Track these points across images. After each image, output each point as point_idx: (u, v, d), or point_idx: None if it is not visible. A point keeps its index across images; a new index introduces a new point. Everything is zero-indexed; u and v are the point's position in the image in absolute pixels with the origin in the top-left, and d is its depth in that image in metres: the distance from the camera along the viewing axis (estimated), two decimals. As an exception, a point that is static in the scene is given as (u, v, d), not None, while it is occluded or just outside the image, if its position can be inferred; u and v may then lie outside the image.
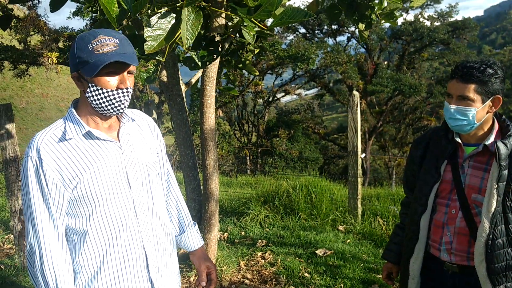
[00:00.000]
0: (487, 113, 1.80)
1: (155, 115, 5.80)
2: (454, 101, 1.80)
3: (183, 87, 4.13)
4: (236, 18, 2.43)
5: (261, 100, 23.48)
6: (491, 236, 1.77)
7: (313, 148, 23.57)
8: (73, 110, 1.63)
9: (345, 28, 23.47)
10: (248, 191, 6.82)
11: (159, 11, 2.00)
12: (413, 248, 2.00)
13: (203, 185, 4.05)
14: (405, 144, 25.88)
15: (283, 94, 24.03)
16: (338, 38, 24.38)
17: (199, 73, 4.39)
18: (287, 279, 3.96)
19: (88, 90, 1.55)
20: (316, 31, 24.54)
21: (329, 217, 5.18)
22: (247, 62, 4.76)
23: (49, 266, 1.54)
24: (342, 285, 3.81)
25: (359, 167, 5.12)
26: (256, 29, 2.27)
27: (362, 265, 4.18)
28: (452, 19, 25.17)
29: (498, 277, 1.79)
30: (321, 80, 23.28)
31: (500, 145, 1.75)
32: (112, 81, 1.55)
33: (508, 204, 1.76)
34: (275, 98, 23.80)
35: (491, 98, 1.77)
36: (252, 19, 2.15)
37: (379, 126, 23.49)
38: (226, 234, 4.99)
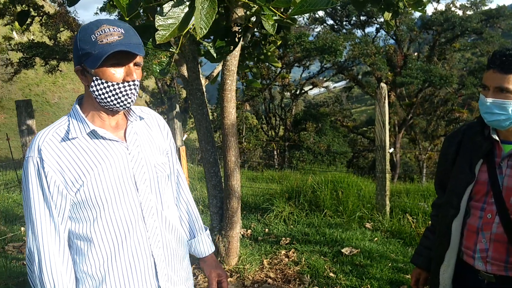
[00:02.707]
0: None
1: (178, 109, 5.72)
2: (490, 93, 1.62)
3: (203, 81, 4.03)
4: (255, 7, 2.29)
5: (288, 93, 23.26)
6: (532, 244, 1.59)
7: (342, 141, 23.22)
8: (77, 107, 1.52)
9: (374, 19, 22.94)
10: (273, 187, 6.69)
11: (170, -1, 1.88)
12: (444, 254, 1.83)
13: (224, 182, 3.95)
14: (436, 137, 25.22)
15: (310, 87, 23.75)
16: (367, 29, 23.88)
17: (219, 67, 4.27)
18: (312, 279, 3.82)
19: (92, 84, 1.44)
20: (344, 23, 24.06)
21: (355, 214, 5.00)
22: (270, 54, 4.62)
23: (48, 274, 1.44)
24: (369, 285, 3.65)
25: (387, 162, 4.92)
26: (276, 17, 2.12)
27: (390, 264, 4.01)
28: (486, 8, 24.27)
29: (540, 288, 1.61)
30: (350, 72, 22.85)
31: (544, 142, 1.57)
32: (117, 73, 1.43)
33: None
34: (303, 91, 23.52)
35: None
36: (271, 7, 2.02)
37: (409, 119, 22.91)
38: (249, 231, 4.88)
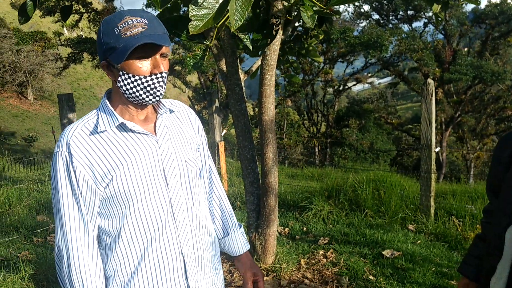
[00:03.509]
0: None
1: (217, 103, 5.69)
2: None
3: (242, 76, 3.96)
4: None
5: (331, 89, 22.95)
6: None
7: (385, 139, 22.74)
8: (106, 101, 1.48)
9: (422, 13, 22.21)
10: (313, 184, 6.56)
11: (205, -11, 1.81)
12: (495, 265, 1.68)
13: (261, 179, 3.87)
14: (486, 136, 24.24)
15: (354, 83, 23.34)
16: (414, 24, 23.17)
17: (259, 61, 4.19)
18: (350, 281, 3.69)
19: (119, 79, 1.39)
20: (391, 17, 23.44)
21: (398, 215, 4.81)
22: (311, 48, 4.50)
23: (77, 272, 1.41)
24: (410, 291, 3.49)
25: (433, 162, 4.69)
26: (315, 8, 2.02)
27: (433, 269, 3.82)
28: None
29: None
30: (395, 68, 22.26)
31: None
32: (144, 66, 1.37)
33: None
34: (346, 87, 23.14)
35: None
36: (309, -3, 1.92)
37: (457, 117, 22.11)
38: (287, 229, 4.79)
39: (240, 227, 1.82)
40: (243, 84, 3.97)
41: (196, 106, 22.98)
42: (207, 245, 1.62)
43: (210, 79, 20.88)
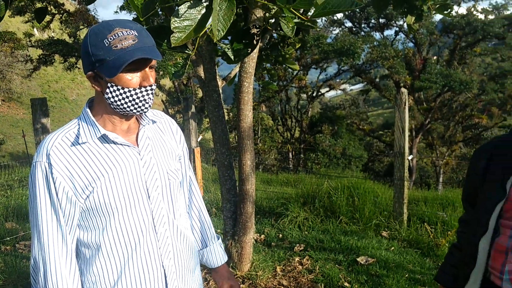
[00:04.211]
0: None
1: (193, 109, 5.66)
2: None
3: (220, 83, 3.96)
4: (274, 8, 2.21)
5: (305, 95, 23.14)
6: None
7: (357, 145, 23.04)
8: (88, 111, 1.46)
9: (393, 21, 22.67)
10: (288, 191, 6.60)
11: None
12: (469, 274, 1.72)
13: (239, 186, 3.88)
14: (454, 142, 24.85)
15: (327, 89, 23.60)
16: (386, 32, 23.60)
17: (237, 68, 4.20)
18: (325, 288, 3.73)
19: (107, 91, 1.37)
20: (363, 25, 23.84)
21: (372, 221, 4.89)
22: (288, 56, 4.54)
23: (54, 285, 1.38)
24: (384, 297, 3.54)
25: (406, 169, 4.79)
26: (296, 20, 2.04)
27: (407, 275, 3.89)
28: (508, 12, 23.83)
29: None
30: (367, 75, 22.62)
31: None
32: (134, 78, 1.36)
33: None
34: (319, 93, 23.38)
35: None
36: (292, 8, 1.93)
37: (426, 124, 22.60)
38: (263, 236, 4.80)
39: (219, 239, 1.83)
40: (220, 91, 3.98)
41: (170, 110, 22.81)
42: (188, 257, 1.61)
43: (185, 83, 20.77)
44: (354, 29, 23.80)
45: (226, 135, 3.90)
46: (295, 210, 5.12)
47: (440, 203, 5.49)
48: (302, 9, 2.17)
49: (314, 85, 22.90)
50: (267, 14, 2.48)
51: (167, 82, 25.17)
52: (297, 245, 4.52)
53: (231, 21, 1.84)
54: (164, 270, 1.50)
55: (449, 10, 3.55)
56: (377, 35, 23.20)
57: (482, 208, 1.69)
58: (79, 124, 1.45)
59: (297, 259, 4.24)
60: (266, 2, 2.14)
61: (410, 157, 4.82)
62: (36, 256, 1.40)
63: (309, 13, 2.47)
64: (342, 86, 24.27)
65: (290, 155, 22.64)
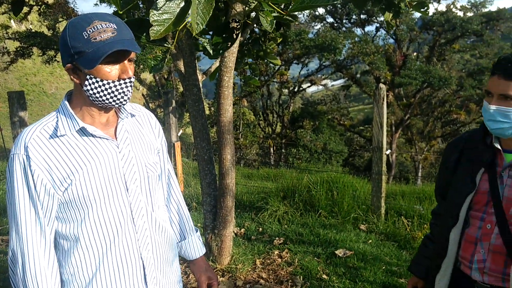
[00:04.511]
0: None
1: (174, 104, 5.65)
2: (494, 100, 1.57)
3: (200, 77, 3.96)
4: (254, 3, 2.23)
5: (286, 90, 23.20)
6: (531, 257, 1.54)
7: (338, 140, 23.19)
8: (66, 103, 1.46)
9: (374, 17, 22.86)
10: (268, 185, 6.64)
11: (165, -7, 1.81)
12: (440, 263, 1.78)
13: (219, 180, 3.89)
14: (433, 138, 25.24)
15: (309, 84, 23.70)
16: (367, 28, 23.80)
17: (217, 63, 4.21)
18: (304, 280, 3.78)
19: (86, 83, 1.38)
20: (344, 21, 23.98)
21: (350, 215, 4.96)
22: (269, 51, 4.56)
23: (32, 277, 1.39)
24: (362, 289, 3.61)
25: (384, 164, 4.87)
26: (275, 14, 2.06)
27: (384, 267, 3.97)
28: (486, 10, 24.23)
29: (538, 302, 1.56)
30: (348, 71, 22.79)
31: (547, 153, 1.51)
32: (113, 71, 1.38)
33: None
34: (301, 88, 23.47)
35: None
36: (270, 3, 1.95)
37: (406, 119, 22.90)
38: (242, 230, 4.83)
39: (197, 232, 1.85)
40: (200, 85, 3.98)
41: (150, 104, 22.64)
42: (167, 249, 1.63)
43: (165, 77, 20.62)
44: (335, 24, 23.92)
45: (206, 129, 3.90)
46: (275, 204, 5.16)
47: (417, 197, 5.60)
48: (283, 4, 2.19)
49: (295, 80, 22.97)
50: (247, 9, 2.50)
51: (148, 76, 24.96)
52: (277, 238, 4.56)
53: (210, 14, 1.85)
54: (143, 262, 1.52)
55: (425, 8, 3.62)
56: (358, 31, 23.39)
57: (453, 200, 1.75)
58: (57, 117, 1.45)
59: (276, 252, 4.28)
60: (245, -4, 2.16)
61: (388, 152, 4.89)
62: (15, 248, 1.40)
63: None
64: (324, 82, 24.41)
65: (272, 150, 22.71)
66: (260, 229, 4.85)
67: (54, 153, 1.40)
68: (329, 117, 23.69)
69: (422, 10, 3.57)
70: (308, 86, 24.26)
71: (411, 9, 3.62)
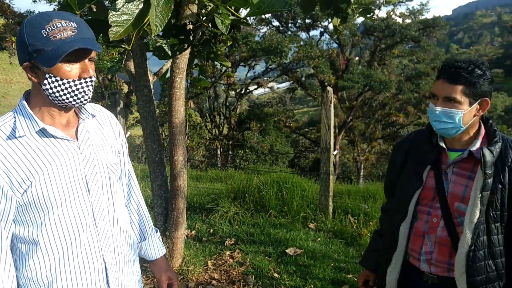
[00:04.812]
0: (474, 116, 1.69)
1: (121, 104, 5.55)
2: (440, 102, 1.69)
3: (151, 78, 3.93)
4: (210, 6, 2.26)
5: (233, 92, 23.27)
6: (472, 248, 1.67)
7: (284, 141, 23.53)
8: (25, 103, 1.43)
9: (318, 22, 23.42)
10: (218, 186, 6.65)
11: (124, -6, 1.81)
12: (391, 257, 1.89)
13: (170, 182, 3.87)
14: (374, 139, 26.18)
15: (255, 86, 23.90)
16: (311, 33, 24.35)
17: (168, 64, 4.19)
18: (256, 279, 3.83)
19: (45, 82, 1.35)
20: (290, 25, 24.40)
21: (300, 214, 5.07)
22: (220, 53, 4.58)
23: None
24: (312, 286, 3.71)
25: (331, 164, 5.03)
26: (232, 17, 2.10)
27: (332, 264, 4.10)
28: (423, 17, 25.49)
29: (478, 290, 1.69)
30: (294, 74, 23.21)
31: (486, 152, 1.65)
32: (73, 70, 1.36)
33: (491, 214, 1.67)
34: (248, 90, 23.63)
35: (479, 100, 1.66)
36: (228, 6, 1.99)
37: (349, 121, 23.62)
38: (193, 232, 4.82)
39: (157, 232, 1.86)
40: (151, 86, 3.94)
41: (93, 106, 21.95)
42: (128, 250, 1.63)
43: (109, 78, 20.10)
44: (281, 28, 24.28)
45: (157, 131, 3.87)
46: (225, 205, 5.19)
47: (362, 196, 5.80)
48: (235, 8, 2.24)
49: (242, 82, 23.10)
50: (203, 11, 2.52)
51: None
52: (228, 239, 4.60)
53: (169, 16, 1.87)
54: (105, 263, 1.51)
55: (371, 14, 3.79)
56: (303, 35, 23.87)
57: (402, 196, 1.86)
58: (15, 117, 1.42)
59: (228, 253, 4.31)
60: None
61: (335, 152, 5.05)
62: None
63: (241, 11, 2.54)
64: (270, 84, 24.69)
65: (219, 152, 22.69)
66: (211, 230, 4.86)
67: (13, 155, 1.36)
68: (275, 119, 24.01)
69: (368, 16, 3.74)
70: (255, 89, 24.48)
71: (357, 14, 3.77)
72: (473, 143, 1.72)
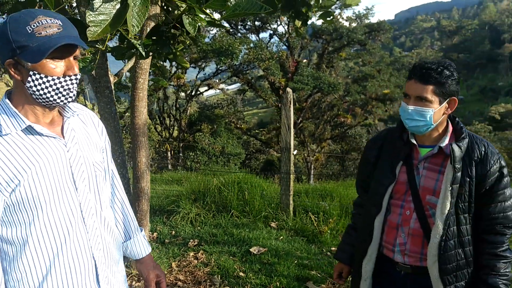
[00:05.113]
0: (443, 114, 1.81)
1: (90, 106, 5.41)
2: (412, 101, 1.79)
3: (111, 79, 3.86)
4: (182, 7, 2.27)
5: (183, 94, 23.07)
6: (444, 238, 1.78)
7: (236, 143, 23.59)
8: (8, 102, 1.40)
9: (268, 25, 23.68)
10: (175, 188, 6.61)
11: (102, -7, 1.79)
12: (366, 249, 1.98)
13: (133, 184, 3.83)
14: (323, 140, 26.75)
15: (206, 88, 23.81)
16: (261, 35, 24.56)
17: (129, 64, 4.13)
18: (222, 279, 3.85)
19: (29, 79, 1.33)
20: (239, 27, 24.51)
21: (261, 214, 5.14)
22: (178, 54, 4.57)
23: None
24: (277, 283, 3.78)
25: (292, 164, 5.13)
26: (208, 19, 2.12)
27: (296, 261, 4.19)
28: (368, 21, 26.35)
29: (449, 277, 1.81)
30: (244, 76, 23.33)
31: (455, 147, 1.77)
32: (58, 67, 1.35)
33: (460, 205, 1.79)
34: (198, 92, 23.50)
35: (448, 99, 1.78)
36: (204, 9, 2.01)
37: (299, 122, 24.02)
38: (155, 234, 4.77)
39: (142, 231, 1.85)
40: (112, 87, 3.87)
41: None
42: (114, 248, 1.63)
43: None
44: (231, 30, 24.34)
45: (119, 132, 3.81)
46: (186, 207, 5.17)
47: (319, 194, 5.94)
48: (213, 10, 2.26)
49: (192, 83, 22.96)
50: (176, 12, 2.52)
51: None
52: (191, 240, 4.59)
53: (146, 17, 1.87)
54: (95, 261, 1.50)
55: (331, 17, 3.91)
56: (253, 37, 24.05)
57: (376, 190, 1.96)
58: None
59: (191, 254, 4.31)
60: (177, 1, 2.19)
61: (295, 152, 5.16)
62: None
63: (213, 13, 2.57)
64: (220, 86, 24.69)
65: (169, 154, 22.42)
66: (173, 232, 4.83)
67: None
68: (226, 121, 24.04)
69: (328, 19, 3.86)
70: (206, 90, 24.39)
71: (318, 18, 3.88)
72: (442, 139, 1.84)
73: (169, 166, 20.53)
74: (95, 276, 1.51)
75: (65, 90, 1.37)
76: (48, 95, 1.36)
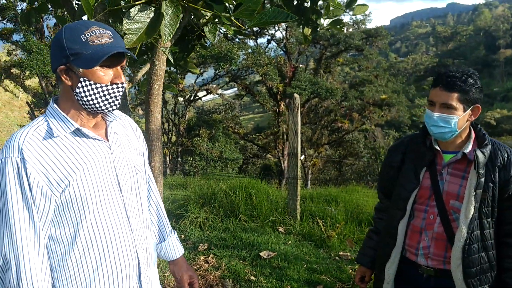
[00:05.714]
0: (466, 121, 1.87)
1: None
2: (437, 108, 1.86)
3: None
4: (207, 16, 2.33)
5: (181, 99, 23.14)
6: (467, 241, 1.84)
7: (233, 148, 23.65)
8: (56, 106, 1.47)
9: (266, 30, 23.79)
10: (179, 193, 6.64)
11: (137, 3, 1.85)
12: (390, 253, 2.04)
13: (147, 188, 3.86)
14: (320, 145, 26.83)
15: (204, 93, 23.88)
16: (259, 40, 24.69)
17: (143, 70, 4.18)
18: (234, 283, 3.90)
19: (79, 85, 1.40)
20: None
21: (269, 218, 5.19)
22: (189, 60, 4.63)
23: (28, 282, 1.36)
24: (289, 287, 3.82)
25: (299, 169, 5.18)
26: (234, 28, 2.18)
27: (305, 266, 4.23)
28: (365, 27, 26.53)
29: (473, 280, 1.87)
30: (242, 81, 23.42)
31: (479, 153, 1.83)
32: (107, 75, 1.42)
33: (484, 210, 1.85)
34: (197, 97, 23.58)
35: (471, 107, 1.85)
36: (232, 18, 2.07)
37: (297, 128, 24.07)
38: (165, 238, 4.80)
39: (175, 233, 1.91)
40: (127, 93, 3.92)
41: (36, 113, 21.10)
42: (152, 248, 1.68)
43: (53, 84, 19.39)
44: (229, 35, 24.42)
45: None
46: (195, 211, 5.22)
47: (325, 199, 6.00)
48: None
49: (191, 88, 23.02)
50: (201, 21, 2.58)
51: (32, 83, 23.25)
52: (201, 244, 4.63)
53: (177, 26, 1.93)
54: (139, 260, 1.56)
55: (341, 25, 3.98)
56: (251, 43, 24.14)
57: (400, 195, 2.02)
58: (47, 120, 1.46)
59: (202, 258, 4.35)
60: (202, 9, 2.25)
61: (302, 157, 5.21)
62: (7, 255, 1.36)
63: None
64: (219, 91, 24.78)
65: (168, 159, 22.45)
66: (183, 236, 4.87)
67: (49, 155, 1.40)
68: (224, 126, 24.11)
69: (338, 27, 3.93)
70: (205, 95, 24.46)
71: (328, 25, 3.95)
72: (465, 145, 1.90)
73: (168, 171, 20.55)
74: (137, 275, 1.57)
75: (111, 97, 1.44)
76: (95, 101, 1.42)
